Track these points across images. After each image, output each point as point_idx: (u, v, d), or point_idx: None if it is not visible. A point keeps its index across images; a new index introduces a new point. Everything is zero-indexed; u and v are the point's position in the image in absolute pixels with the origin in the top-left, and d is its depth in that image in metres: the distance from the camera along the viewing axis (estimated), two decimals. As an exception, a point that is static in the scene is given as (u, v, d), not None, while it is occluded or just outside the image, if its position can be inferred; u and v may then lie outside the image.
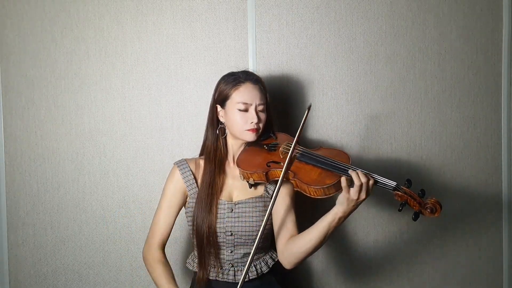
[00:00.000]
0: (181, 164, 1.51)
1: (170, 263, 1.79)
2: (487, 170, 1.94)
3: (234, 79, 1.45)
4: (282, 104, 1.79)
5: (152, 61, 1.78)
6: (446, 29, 1.88)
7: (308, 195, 1.32)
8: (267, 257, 1.50)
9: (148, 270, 1.49)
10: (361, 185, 1.24)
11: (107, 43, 1.77)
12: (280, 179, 1.33)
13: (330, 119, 1.83)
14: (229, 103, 1.44)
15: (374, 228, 1.87)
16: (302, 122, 1.42)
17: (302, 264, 1.84)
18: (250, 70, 1.57)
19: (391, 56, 1.85)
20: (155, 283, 1.45)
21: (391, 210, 1.86)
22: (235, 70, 1.52)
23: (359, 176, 1.25)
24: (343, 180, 1.25)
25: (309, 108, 1.45)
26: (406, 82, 1.87)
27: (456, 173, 1.92)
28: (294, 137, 1.41)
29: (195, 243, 1.47)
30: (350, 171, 1.27)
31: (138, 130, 1.79)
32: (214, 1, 1.78)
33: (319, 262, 1.85)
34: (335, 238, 1.85)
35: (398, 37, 1.85)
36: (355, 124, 1.84)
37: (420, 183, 1.86)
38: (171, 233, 1.79)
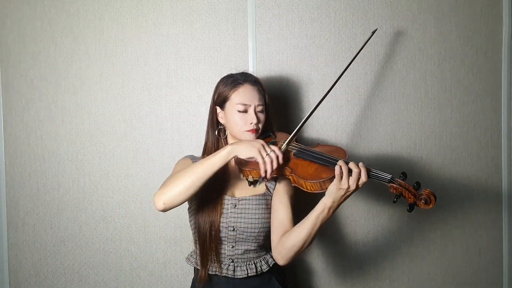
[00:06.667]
0: (193, 157, 1.53)
1: (170, 263, 1.81)
2: (487, 170, 1.94)
3: (233, 80, 1.47)
4: (281, 104, 1.79)
5: (152, 61, 1.78)
6: (446, 29, 1.88)
7: (305, 190, 1.33)
8: (267, 256, 1.50)
9: (173, 187, 1.28)
10: (355, 172, 1.25)
11: (107, 43, 1.77)
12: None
13: (330, 119, 1.83)
14: (228, 105, 1.46)
15: (374, 228, 1.87)
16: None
17: (302, 264, 1.84)
18: (250, 71, 1.57)
19: (391, 56, 1.85)
20: (196, 175, 1.28)
21: (391, 210, 1.86)
22: (234, 71, 1.53)
23: (349, 165, 1.27)
24: (337, 167, 1.26)
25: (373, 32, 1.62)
26: (406, 82, 1.87)
27: (456, 173, 1.92)
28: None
29: (196, 239, 1.47)
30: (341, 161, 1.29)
31: (138, 130, 1.79)
32: (214, 1, 1.78)
33: (319, 261, 1.85)
34: (335, 237, 1.85)
35: (398, 37, 1.85)
36: (355, 124, 1.84)
37: (421, 183, 1.86)
38: (171, 233, 1.80)
